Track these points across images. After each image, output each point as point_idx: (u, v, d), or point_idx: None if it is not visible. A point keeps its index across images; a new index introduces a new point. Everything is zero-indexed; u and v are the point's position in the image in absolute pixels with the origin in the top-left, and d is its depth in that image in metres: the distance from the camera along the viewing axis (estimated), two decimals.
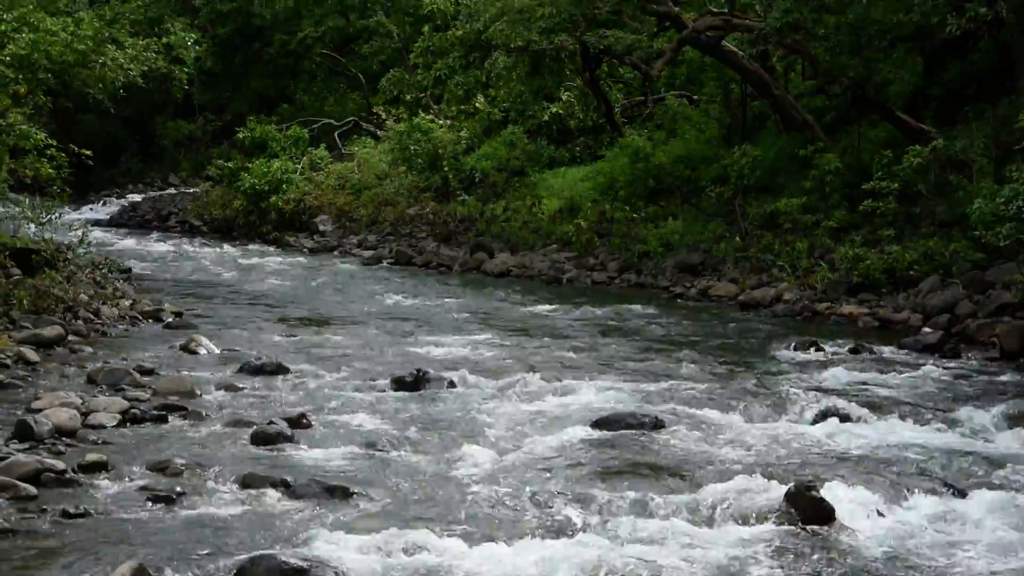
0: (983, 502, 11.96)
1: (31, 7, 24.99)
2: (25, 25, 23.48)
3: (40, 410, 14.75)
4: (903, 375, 18.73)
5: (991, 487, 12.45)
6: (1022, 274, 21.95)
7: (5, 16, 22.86)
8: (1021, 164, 22.16)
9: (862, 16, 28.43)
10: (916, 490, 12.30)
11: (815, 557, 10.49)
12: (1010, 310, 21.68)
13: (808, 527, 11.05)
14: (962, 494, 12.28)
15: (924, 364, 19.65)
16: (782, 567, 10.25)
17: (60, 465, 12.72)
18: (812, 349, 20.95)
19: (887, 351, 20.90)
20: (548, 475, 12.98)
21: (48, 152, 24.11)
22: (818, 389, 17.42)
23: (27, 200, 25.60)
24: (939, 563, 10.41)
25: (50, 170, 24.32)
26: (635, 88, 38.35)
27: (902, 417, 15.60)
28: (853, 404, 16.05)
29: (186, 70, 38.59)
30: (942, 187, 25.89)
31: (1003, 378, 18.60)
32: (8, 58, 22.81)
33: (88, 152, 27.42)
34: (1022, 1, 25.02)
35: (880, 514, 11.59)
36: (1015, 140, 22.98)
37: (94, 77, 28.04)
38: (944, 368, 19.37)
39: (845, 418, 15.39)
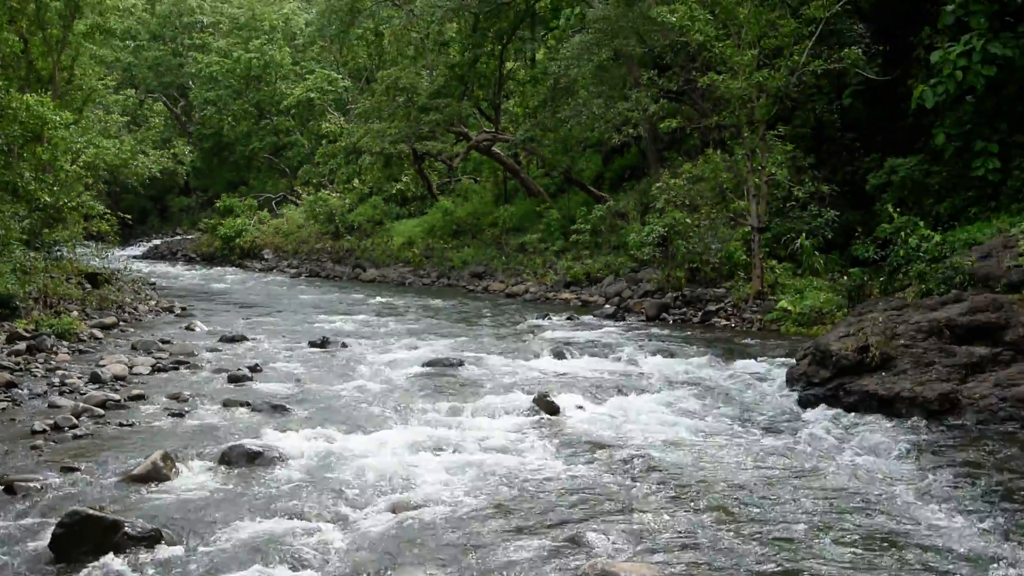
0: (641, 399, 12.38)
1: (93, 135, 24.67)
2: (91, 144, 23.25)
3: (104, 365, 14.50)
4: (594, 331, 19.04)
5: (641, 391, 12.85)
6: (656, 275, 22.64)
7: (80, 139, 22.57)
8: (653, 215, 22.75)
9: (568, 134, 28.93)
10: (602, 394, 12.67)
11: (550, 432, 10.76)
12: (649, 294, 22.26)
13: (546, 416, 11.36)
14: (626, 395, 12.63)
15: (605, 325, 20.07)
16: (533, 437, 10.53)
17: (117, 396, 12.62)
18: (545, 318, 21.12)
19: (586, 318, 21.15)
20: (398, 392, 13.07)
21: (105, 216, 23.55)
22: (549, 340, 17.62)
23: (93, 244, 25.10)
24: (616, 432, 10.73)
25: (106, 227, 23.77)
26: (444, 173, 38.44)
27: (593, 355, 15.86)
28: (567, 348, 16.24)
29: (185, 167, 37.97)
30: (613, 227, 26.28)
31: (647, 331, 19.00)
32: (82, 164, 22.52)
33: (128, 216, 27.35)
34: (650, 127, 25.80)
35: (582, 408, 11.89)
36: (649, 201, 23.59)
37: (132, 173, 27.72)
38: (616, 327, 19.76)
39: (563, 356, 15.55)
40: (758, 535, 7.57)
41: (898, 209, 16.82)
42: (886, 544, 7.33)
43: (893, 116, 20.63)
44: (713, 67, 20.43)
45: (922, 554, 7.12)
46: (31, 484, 8.96)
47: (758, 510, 8.13)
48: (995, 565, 6.88)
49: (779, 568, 6.92)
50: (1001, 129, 17.85)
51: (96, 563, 7.16)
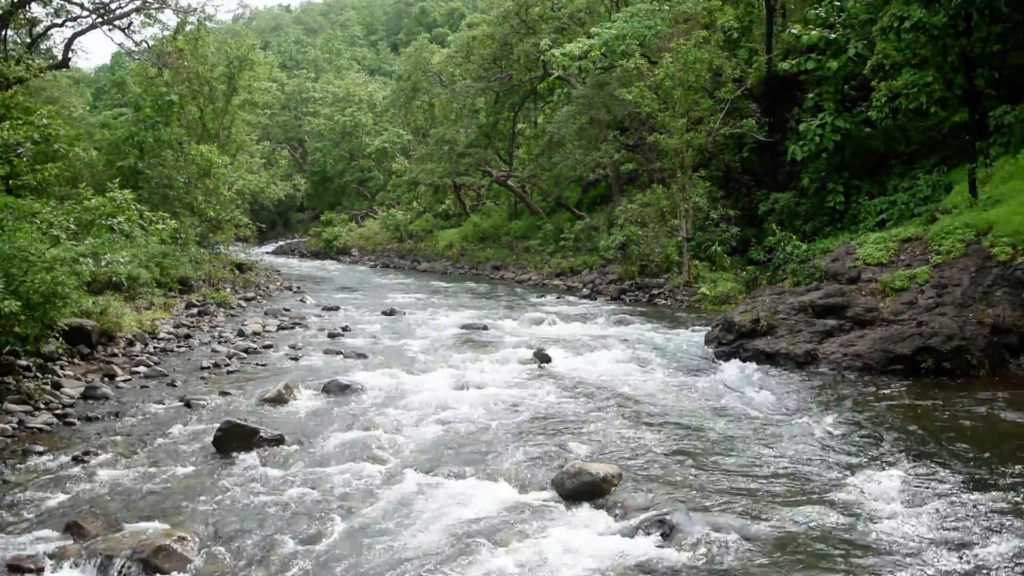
0: (607, 353, 12.08)
1: (242, 171, 24.94)
2: (240, 178, 23.57)
3: (247, 324, 14.61)
4: (577, 307, 18.77)
5: (607, 347, 12.60)
6: (618, 269, 22.42)
7: (233, 175, 22.96)
8: (616, 228, 22.46)
9: (559, 173, 28.68)
10: (581, 349, 12.47)
11: (544, 375, 10.68)
12: (613, 282, 21.84)
13: (543, 365, 11.21)
14: (597, 350, 12.37)
15: (583, 303, 19.73)
16: (532, 378, 10.43)
17: (255, 345, 12.72)
18: (544, 297, 20.88)
19: (571, 298, 20.80)
20: (441, 346, 13.02)
21: (248, 225, 23.65)
22: (547, 312, 17.38)
23: (241, 244, 25.37)
24: (590, 375, 10.65)
25: (248, 232, 23.89)
26: (474, 198, 38.21)
27: (576, 322, 15.69)
28: (559, 318, 16.11)
29: (301, 193, 37.90)
30: (589, 236, 25.95)
31: (611, 307, 18.68)
32: (235, 191, 22.82)
33: (263, 225, 27.54)
34: (615, 169, 25.59)
35: (566, 358, 11.69)
36: (614, 219, 23.36)
37: (266, 196, 27.73)
38: (590, 304, 19.44)
39: (554, 323, 15.40)
40: (687, 442, 7.58)
41: (778, 227, 16.74)
42: (770, 443, 7.37)
43: (775, 165, 20.57)
44: (657, 129, 20.39)
45: (788, 442, 7.15)
46: (201, 402, 9.19)
47: (686, 426, 8.12)
48: (834, 456, 6.88)
49: (700, 462, 6.93)
50: (844, 176, 18.04)
51: (242, 455, 7.31)
